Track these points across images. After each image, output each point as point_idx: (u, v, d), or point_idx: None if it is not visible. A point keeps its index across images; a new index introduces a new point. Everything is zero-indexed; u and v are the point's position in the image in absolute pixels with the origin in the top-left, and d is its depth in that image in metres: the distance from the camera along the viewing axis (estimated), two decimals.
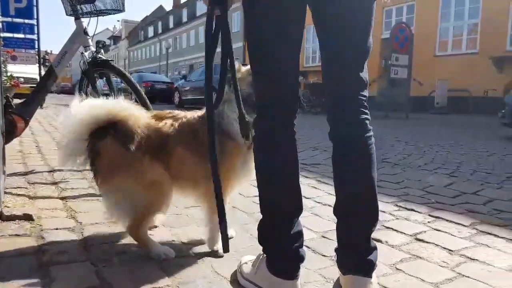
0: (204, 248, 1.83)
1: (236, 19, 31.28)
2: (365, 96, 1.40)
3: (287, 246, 1.40)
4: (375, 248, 1.38)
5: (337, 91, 1.40)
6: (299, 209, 1.45)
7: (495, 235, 2.11)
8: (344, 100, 1.39)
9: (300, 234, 1.43)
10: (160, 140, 1.71)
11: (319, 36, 1.40)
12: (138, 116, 1.74)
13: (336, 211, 1.43)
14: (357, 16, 1.33)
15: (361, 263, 1.34)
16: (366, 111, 1.40)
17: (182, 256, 1.76)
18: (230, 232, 2.01)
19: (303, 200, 2.32)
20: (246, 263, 1.59)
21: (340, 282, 1.43)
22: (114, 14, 3.37)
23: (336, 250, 1.43)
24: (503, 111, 7.27)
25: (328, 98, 1.43)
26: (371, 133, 1.39)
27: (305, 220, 2.26)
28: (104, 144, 1.67)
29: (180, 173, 1.75)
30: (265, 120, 1.42)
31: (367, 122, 1.39)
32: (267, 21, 1.33)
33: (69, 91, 40.96)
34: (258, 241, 1.49)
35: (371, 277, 1.34)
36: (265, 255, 1.46)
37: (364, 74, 1.39)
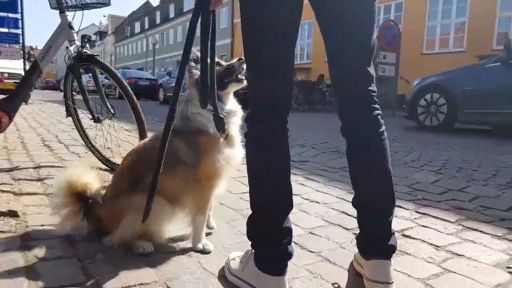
0: (189, 244, 1.83)
1: (224, 16, 31.18)
2: (374, 92, 1.42)
3: (276, 243, 1.40)
4: (393, 233, 1.43)
5: (348, 91, 1.42)
6: (291, 206, 1.45)
7: (481, 231, 2.14)
8: (356, 98, 1.41)
9: (289, 231, 1.43)
10: (132, 175, 1.77)
11: (324, 35, 1.41)
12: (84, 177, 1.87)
13: (356, 204, 1.45)
14: (360, 16, 1.34)
15: (383, 248, 1.40)
16: (377, 106, 1.43)
17: (169, 252, 1.75)
18: (212, 223, 2.02)
19: None
20: (234, 259, 1.58)
21: (358, 267, 1.46)
22: (99, 8, 3.31)
23: (357, 237, 1.46)
24: (403, 106, 8.74)
25: (339, 96, 1.45)
26: (384, 127, 1.43)
27: (293, 216, 2.26)
28: (96, 211, 1.81)
29: (165, 192, 1.74)
30: (265, 120, 1.41)
31: (379, 117, 1.42)
32: (272, 22, 1.32)
33: (53, 87, 41.08)
34: (248, 237, 1.49)
35: (391, 260, 1.39)
36: (253, 251, 1.46)
37: (372, 69, 1.40)
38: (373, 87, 1.42)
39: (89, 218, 1.83)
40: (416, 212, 2.47)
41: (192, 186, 1.74)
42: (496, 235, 2.09)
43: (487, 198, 2.84)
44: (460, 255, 1.84)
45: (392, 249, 1.41)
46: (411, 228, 2.18)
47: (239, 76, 1.82)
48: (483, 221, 2.31)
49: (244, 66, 1.81)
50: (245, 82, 1.81)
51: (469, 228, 2.20)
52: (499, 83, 6.82)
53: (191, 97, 1.80)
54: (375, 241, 1.41)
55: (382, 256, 1.39)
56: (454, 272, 1.66)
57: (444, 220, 2.32)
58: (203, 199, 1.77)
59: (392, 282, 1.35)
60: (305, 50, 22.04)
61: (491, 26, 14.91)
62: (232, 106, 1.83)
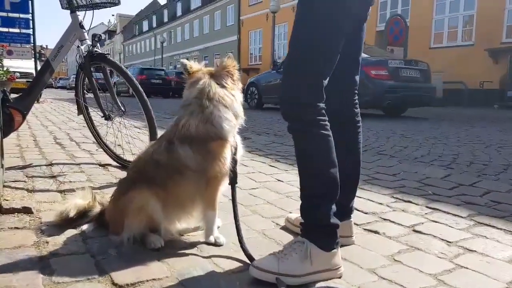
0: (202, 238, 1.85)
1: (230, 13, 30.95)
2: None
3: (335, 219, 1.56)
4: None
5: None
6: None
7: (493, 226, 2.12)
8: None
9: None
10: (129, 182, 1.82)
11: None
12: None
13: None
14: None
15: (351, 211, 1.87)
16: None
17: (181, 247, 1.77)
18: (217, 221, 2.03)
19: (291, 187, 2.35)
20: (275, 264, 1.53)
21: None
22: (109, 7, 3.33)
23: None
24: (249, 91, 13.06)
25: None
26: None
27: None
28: (104, 214, 1.90)
29: (174, 201, 1.77)
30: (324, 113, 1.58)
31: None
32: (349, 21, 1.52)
33: (50, 85, 44.06)
34: (314, 227, 1.54)
35: None
36: (311, 244, 1.49)
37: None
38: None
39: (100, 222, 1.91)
40: (427, 207, 2.45)
41: (201, 186, 1.77)
42: (509, 231, 2.06)
43: (499, 193, 2.81)
44: (472, 250, 1.82)
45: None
46: (422, 223, 2.17)
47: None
48: (495, 216, 2.29)
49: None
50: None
51: (481, 223, 2.18)
52: (276, 81, 11.39)
53: (187, 106, 1.79)
54: (345, 206, 1.79)
55: (350, 216, 1.84)
56: (467, 268, 1.64)
57: (455, 215, 2.30)
58: (211, 196, 1.80)
59: None
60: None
61: (500, 19, 14.74)
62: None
